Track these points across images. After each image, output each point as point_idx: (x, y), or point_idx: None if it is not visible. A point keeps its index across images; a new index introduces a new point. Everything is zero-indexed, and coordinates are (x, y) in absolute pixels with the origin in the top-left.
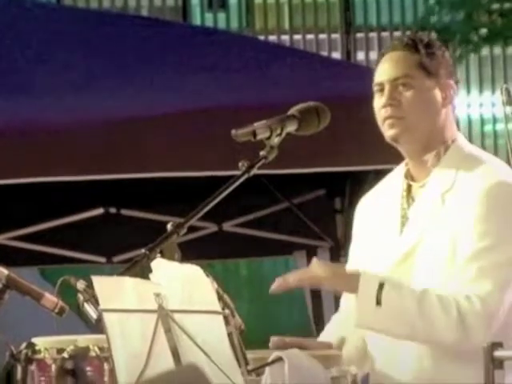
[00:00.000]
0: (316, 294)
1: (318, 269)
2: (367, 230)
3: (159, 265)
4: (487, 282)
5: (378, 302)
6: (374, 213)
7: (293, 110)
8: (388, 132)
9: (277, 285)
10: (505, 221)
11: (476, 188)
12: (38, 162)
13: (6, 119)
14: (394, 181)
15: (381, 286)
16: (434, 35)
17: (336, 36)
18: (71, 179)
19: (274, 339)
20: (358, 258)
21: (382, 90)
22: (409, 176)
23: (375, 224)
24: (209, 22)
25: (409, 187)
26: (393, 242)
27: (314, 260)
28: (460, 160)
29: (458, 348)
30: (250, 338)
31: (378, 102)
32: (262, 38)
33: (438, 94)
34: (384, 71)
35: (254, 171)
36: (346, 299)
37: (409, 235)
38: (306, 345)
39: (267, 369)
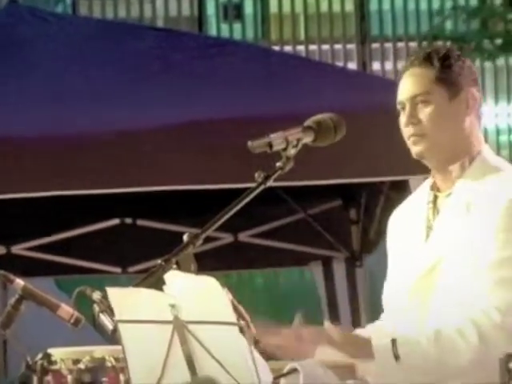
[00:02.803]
0: (333, 306)
1: (333, 333)
2: (396, 242)
3: (173, 277)
4: (507, 293)
5: (397, 358)
6: (402, 225)
7: (309, 121)
8: (413, 149)
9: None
10: None
11: (499, 201)
12: (52, 175)
13: (23, 132)
14: (422, 192)
15: (393, 341)
16: (450, 45)
17: (351, 46)
18: (86, 193)
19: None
20: (390, 271)
21: (404, 108)
22: (435, 187)
23: (403, 236)
24: (224, 33)
25: (435, 198)
26: (418, 254)
27: (328, 324)
28: (485, 172)
29: (484, 365)
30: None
31: (402, 120)
32: (277, 48)
33: (459, 105)
34: (403, 89)
35: (270, 182)
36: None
37: (433, 246)
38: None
39: (282, 380)
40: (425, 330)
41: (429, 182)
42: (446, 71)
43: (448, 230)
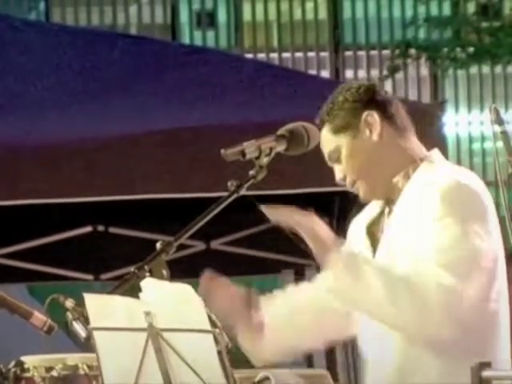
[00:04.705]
0: None
1: (326, 232)
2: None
3: (149, 284)
4: (451, 277)
5: (355, 278)
6: (358, 232)
7: (282, 130)
8: (359, 196)
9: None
10: (463, 216)
11: (435, 189)
12: (25, 183)
13: None
14: (377, 203)
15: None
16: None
17: (325, 54)
18: (59, 201)
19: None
20: None
21: None
22: (389, 200)
23: (357, 242)
24: (198, 40)
25: (389, 210)
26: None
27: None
28: (428, 174)
29: (421, 332)
30: (238, 356)
31: None
32: (250, 56)
33: (363, 136)
34: (323, 154)
35: (243, 191)
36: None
37: (382, 251)
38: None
39: None
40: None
41: None
42: (334, 121)
43: (391, 231)
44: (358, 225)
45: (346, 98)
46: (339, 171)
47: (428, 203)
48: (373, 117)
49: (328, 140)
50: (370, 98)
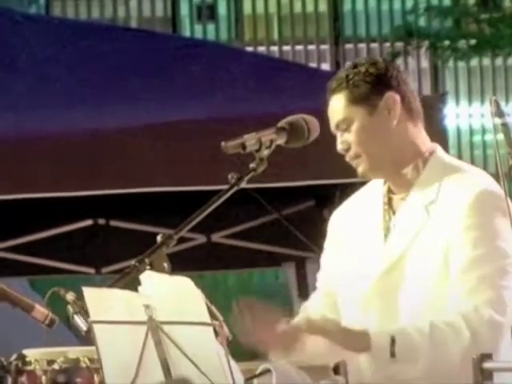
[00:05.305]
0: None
1: (326, 322)
2: (345, 242)
3: (149, 277)
4: (491, 290)
5: (393, 355)
6: (352, 226)
7: (282, 123)
8: (358, 171)
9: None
10: (494, 228)
11: (462, 198)
12: (26, 177)
13: None
14: (370, 194)
15: (392, 340)
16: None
17: (325, 47)
18: (59, 195)
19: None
20: (338, 271)
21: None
22: (389, 191)
23: (355, 237)
24: (198, 33)
25: (389, 200)
26: (376, 254)
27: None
28: (441, 171)
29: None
30: (239, 349)
31: None
32: (251, 49)
33: (381, 115)
34: (329, 119)
35: (243, 183)
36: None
37: (393, 246)
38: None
39: (255, 380)
40: (416, 322)
41: (376, 184)
42: (353, 91)
43: (407, 230)
44: (352, 215)
45: (370, 71)
46: (343, 141)
47: (455, 210)
48: (395, 100)
49: (341, 108)
50: (395, 80)
